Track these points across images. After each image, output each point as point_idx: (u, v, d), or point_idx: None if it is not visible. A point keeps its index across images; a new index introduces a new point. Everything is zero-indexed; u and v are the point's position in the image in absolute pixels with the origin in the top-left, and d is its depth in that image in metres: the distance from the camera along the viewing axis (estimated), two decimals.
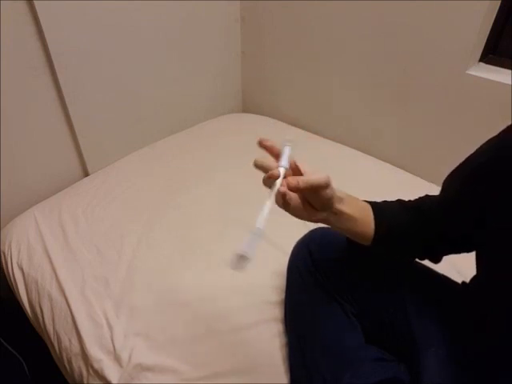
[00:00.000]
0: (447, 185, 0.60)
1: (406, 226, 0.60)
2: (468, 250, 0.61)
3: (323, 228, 0.82)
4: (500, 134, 0.53)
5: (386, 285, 0.71)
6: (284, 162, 0.51)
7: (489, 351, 0.58)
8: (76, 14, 1.10)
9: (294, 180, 0.48)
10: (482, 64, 1.19)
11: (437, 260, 0.64)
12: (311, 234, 0.80)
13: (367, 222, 0.58)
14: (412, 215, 0.60)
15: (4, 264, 1.07)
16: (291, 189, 0.48)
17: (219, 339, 0.82)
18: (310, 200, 0.52)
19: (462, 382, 0.61)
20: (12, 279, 1.03)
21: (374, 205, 0.60)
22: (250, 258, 0.46)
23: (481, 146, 0.56)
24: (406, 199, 0.64)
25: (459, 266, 0.92)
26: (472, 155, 0.57)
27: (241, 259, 0.46)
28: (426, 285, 0.71)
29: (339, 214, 0.55)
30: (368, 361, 0.66)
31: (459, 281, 0.71)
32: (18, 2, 0.99)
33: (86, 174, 1.37)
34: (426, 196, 0.64)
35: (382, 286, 0.71)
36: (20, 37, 1.03)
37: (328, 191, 0.50)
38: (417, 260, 0.67)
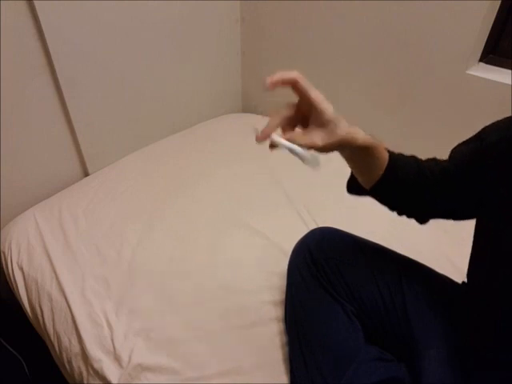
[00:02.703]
0: (455, 154, 0.60)
1: (412, 179, 0.59)
2: (456, 218, 0.62)
3: (323, 228, 0.82)
4: None
5: (386, 285, 0.71)
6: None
7: (489, 351, 0.58)
8: (76, 14, 1.10)
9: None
10: (481, 64, 1.19)
11: (423, 221, 0.64)
12: (311, 234, 0.80)
13: (382, 161, 0.58)
14: (419, 172, 0.60)
15: (4, 264, 1.07)
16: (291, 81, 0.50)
17: (219, 339, 0.82)
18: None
19: (462, 382, 0.61)
20: (12, 279, 1.03)
21: (391, 153, 0.60)
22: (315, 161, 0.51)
23: (495, 123, 0.55)
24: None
25: (459, 266, 0.92)
26: (485, 131, 0.56)
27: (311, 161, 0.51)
28: (426, 285, 0.71)
29: (356, 140, 0.54)
30: (368, 360, 0.66)
31: (459, 281, 0.71)
32: (17, 2, 0.99)
33: (86, 174, 1.37)
34: (434, 158, 0.63)
35: (382, 286, 0.71)
36: (20, 37, 1.03)
37: (331, 125, 0.50)
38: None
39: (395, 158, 0.59)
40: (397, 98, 1.35)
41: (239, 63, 1.75)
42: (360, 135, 0.53)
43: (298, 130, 0.54)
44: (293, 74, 0.49)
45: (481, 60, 1.19)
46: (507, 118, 0.54)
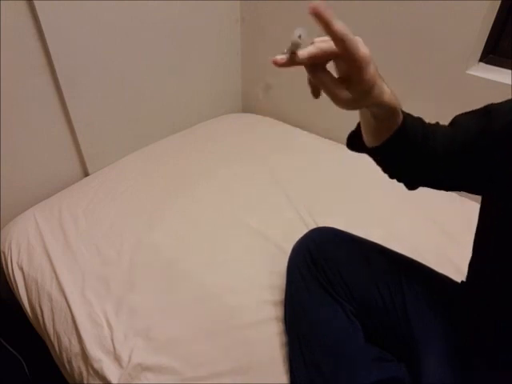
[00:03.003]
0: (459, 124, 0.58)
1: (419, 143, 0.57)
2: (447, 189, 0.61)
3: (323, 227, 0.82)
4: None
5: (386, 285, 0.71)
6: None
7: (489, 351, 0.59)
8: (76, 14, 1.10)
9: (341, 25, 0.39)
10: (481, 64, 1.19)
11: (412, 187, 0.63)
12: (311, 234, 0.80)
13: (397, 120, 0.55)
14: (425, 136, 0.58)
15: (4, 264, 1.07)
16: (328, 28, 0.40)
17: (219, 339, 0.82)
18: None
19: (462, 382, 0.61)
20: (12, 279, 1.03)
21: (403, 113, 0.57)
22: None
23: (503, 104, 0.54)
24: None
25: (459, 266, 0.92)
26: (492, 109, 0.55)
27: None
28: (426, 284, 0.71)
29: (384, 94, 0.48)
30: (368, 360, 0.66)
31: (459, 281, 0.71)
32: (17, 2, 0.99)
33: (86, 174, 1.37)
34: (437, 123, 0.61)
35: (382, 286, 0.71)
36: (20, 37, 1.03)
37: (367, 74, 0.43)
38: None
39: (406, 120, 0.56)
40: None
41: (239, 63, 1.75)
42: (385, 97, 0.48)
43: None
44: (340, 26, 0.39)
45: (481, 60, 1.19)
46: None
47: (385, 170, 0.62)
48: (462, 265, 0.65)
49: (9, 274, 1.05)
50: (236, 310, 0.88)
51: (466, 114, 0.58)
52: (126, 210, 1.18)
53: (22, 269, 1.02)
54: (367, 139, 0.59)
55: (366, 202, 1.17)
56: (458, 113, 1.33)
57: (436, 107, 1.26)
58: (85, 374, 0.82)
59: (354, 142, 0.62)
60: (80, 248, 1.04)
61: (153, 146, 1.50)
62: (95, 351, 0.82)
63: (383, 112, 0.51)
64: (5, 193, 1.16)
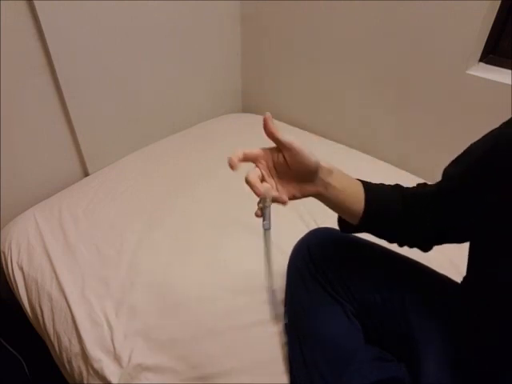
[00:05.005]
0: (448, 174, 0.60)
1: (397, 213, 0.60)
2: (460, 241, 0.61)
3: (323, 228, 0.82)
4: (501, 125, 0.52)
5: (385, 285, 0.71)
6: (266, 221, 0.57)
7: (488, 351, 0.58)
8: (76, 14, 1.10)
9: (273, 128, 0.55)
10: (481, 64, 1.19)
11: (427, 249, 0.64)
12: (311, 234, 0.80)
13: (357, 198, 0.59)
14: (407, 203, 0.60)
15: (4, 264, 1.07)
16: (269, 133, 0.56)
17: (219, 339, 0.82)
18: (297, 171, 0.57)
19: (462, 382, 0.61)
20: (12, 279, 1.03)
21: (366, 183, 0.61)
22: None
23: (483, 137, 0.55)
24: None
25: (459, 266, 0.92)
26: (473, 146, 0.56)
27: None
28: (426, 285, 0.71)
29: (328, 186, 0.57)
30: (368, 361, 0.66)
31: (459, 281, 0.71)
32: (17, 2, 0.99)
33: (86, 174, 1.37)
34: (424, 184, 0.63)
35: (382, 286, 0.71)
36: (20, 37, 1.03)
37: (307, 160, 0.56)
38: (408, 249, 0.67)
39: (372, 194, 0.60)
40: (397, 97, 1.35)
41: (239, 63, 1.75)
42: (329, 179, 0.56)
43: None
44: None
45: (481, 60, 1.19)
46: (488, 133, 0.54)
47: (389, 242, 0.65)
48: (462, 265, 0.65)
49: (9, 274, 1.05)
50: (236, 310, 0.88)
51: (451, 162, 0.60)
52: (126, 209, 1.18)
53: (22, 269, 1.02)
54: (345, 218, 0.63)
55: None
56: (458, 112, 1.33)
57: (436, 107, 1.27)
58: (85, 373, 0.82)
59: (344, 227, 0.66)
60: (80, 248, 1.04)
61: (153, 146, 1.50)
62: (95, 351, 0.82)
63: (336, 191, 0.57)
64: (5, 193, 1.16)
